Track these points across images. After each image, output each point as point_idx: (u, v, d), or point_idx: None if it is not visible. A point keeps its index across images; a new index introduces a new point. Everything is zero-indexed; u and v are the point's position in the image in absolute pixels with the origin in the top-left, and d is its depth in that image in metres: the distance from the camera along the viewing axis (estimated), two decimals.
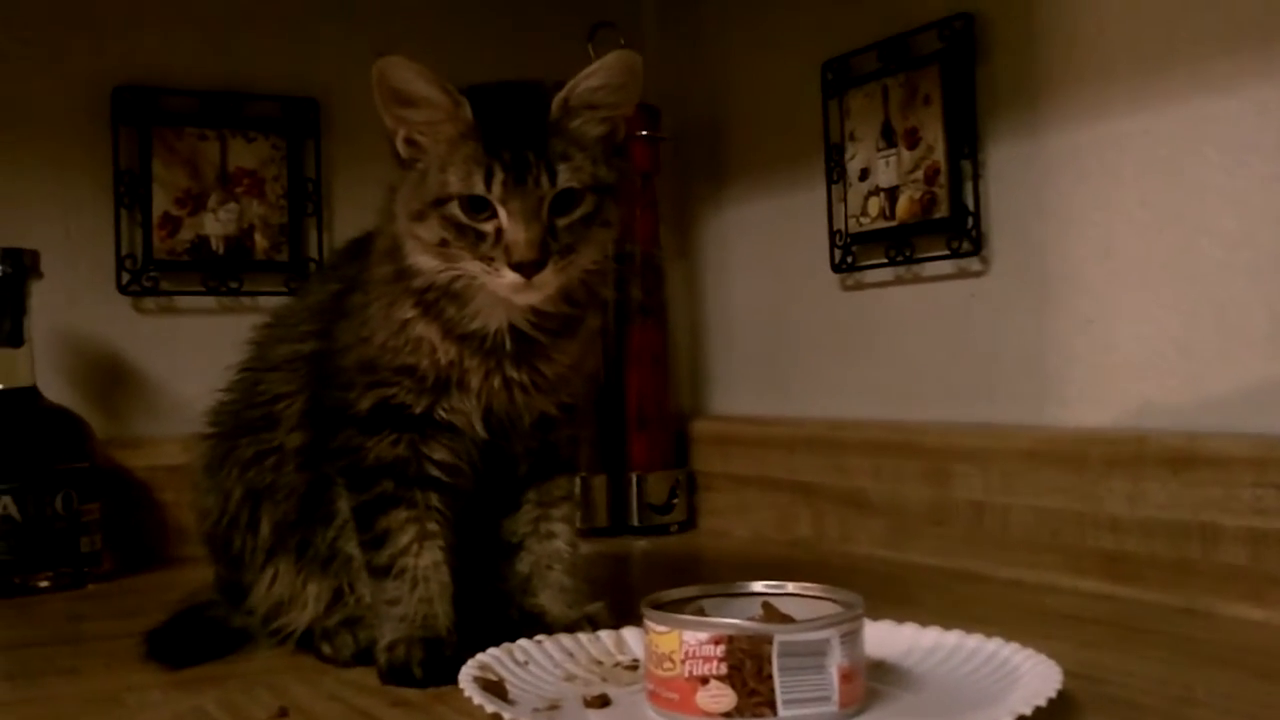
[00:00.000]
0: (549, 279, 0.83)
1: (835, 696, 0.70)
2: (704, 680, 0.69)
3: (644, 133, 1.60)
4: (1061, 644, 0.84)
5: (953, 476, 1.25)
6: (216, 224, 1.53)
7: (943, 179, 1.30)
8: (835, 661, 0.70)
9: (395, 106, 0.85)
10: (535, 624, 0.91)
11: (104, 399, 1.49)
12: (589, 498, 1.56)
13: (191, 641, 0.95)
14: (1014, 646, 0.79)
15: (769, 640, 0.69)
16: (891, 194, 1.37)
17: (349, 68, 1.48)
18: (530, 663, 0.82)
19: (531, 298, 0.85)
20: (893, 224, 1.37)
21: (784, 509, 1.49)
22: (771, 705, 0.69)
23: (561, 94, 0.85)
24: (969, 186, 1.28)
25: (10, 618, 1.17)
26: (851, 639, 0.71)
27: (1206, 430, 1.04)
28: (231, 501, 0.96)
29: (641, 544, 1.55)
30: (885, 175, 1.37)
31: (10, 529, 1.27)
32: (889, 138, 1.37)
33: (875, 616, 0.82)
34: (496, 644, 0.83)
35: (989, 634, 0.81)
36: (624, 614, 0.90)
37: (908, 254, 1.36)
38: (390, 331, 0.89)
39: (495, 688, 0.76)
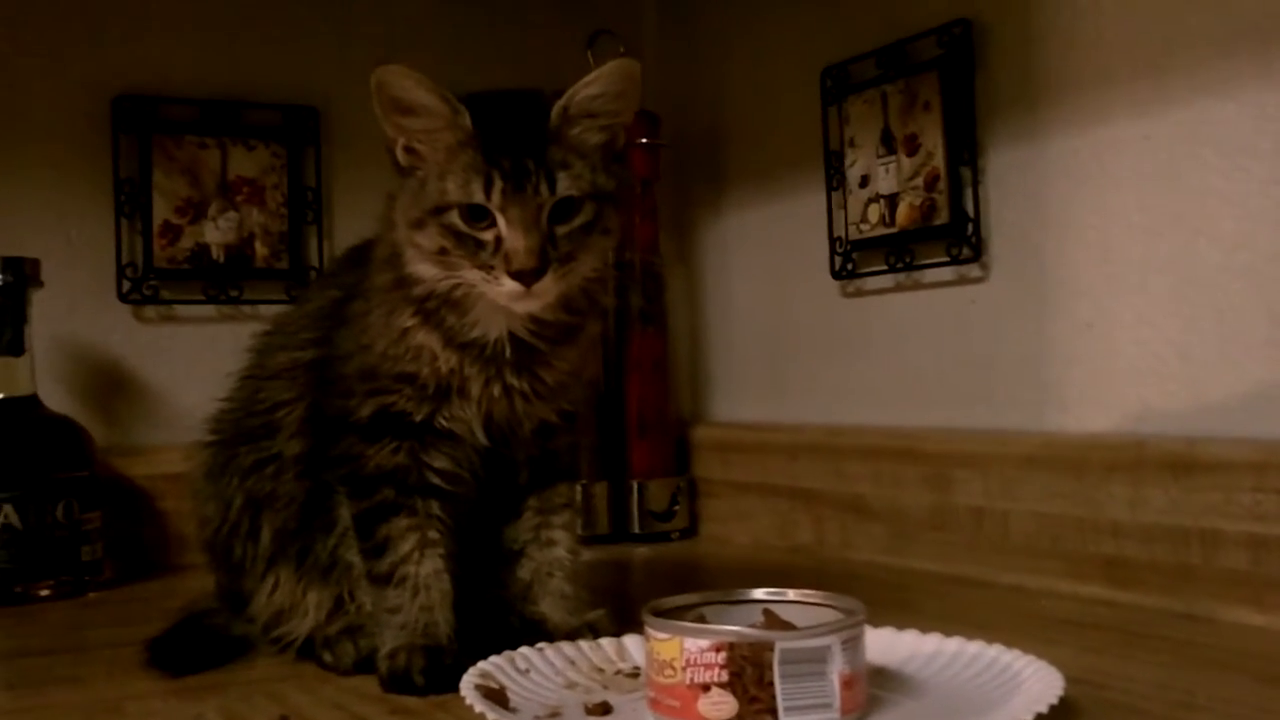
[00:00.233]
0: (548, 287, 0.83)
1: (836, 703, 0.70)
2: (705, 687, 0.69)
3: (644, 139, 1.60)
4: (1063, 650, 0.84)
5: (953, 482, 1.25)
6: (217, 232, 1.53)
7: (942, 185, 1.30)
8: (836, 668, 0.70)
9: (395, 115, 0.85)
10: (536, 631, 0.91)
11: (104, 407, 1.49)
12: (590, 505, 1.56)
13: (192, 649, 0.95)
14: (1015, 652, 0.79)
15: (770, 647, 0.69)
16: (891, 200, 1.37)
17: (349, 76, 1.48)
18: (531, 670, 0.82)
19: (531, 306, 0.85)
20: (893, 230, 1.37)
21: (785, 515, 1.49)
22: (773, 712, 0.69)
23: (561, 102, 0.85)
24: (969, 193, 1.28)
25: (11, 626, 1.17)
26: (853, 645, 0.71)
27: (1206, 435, 1.04)
28: (232, 509, 0.96)
29: (642, 551, 1.55)
30: (885, 182, 1.38)
31: (11, 538, 1.27)
32: (889, 144, 1.37)
33: (876, 623, 0.82)
34: (498, 652, 0.83)
35: (990, 640, 0.81)
36: (625, 621, 0.90)
37: (908, 260, 1.36)
38: (390, 339, 0.89)
39: (496, 695, 0.76)
